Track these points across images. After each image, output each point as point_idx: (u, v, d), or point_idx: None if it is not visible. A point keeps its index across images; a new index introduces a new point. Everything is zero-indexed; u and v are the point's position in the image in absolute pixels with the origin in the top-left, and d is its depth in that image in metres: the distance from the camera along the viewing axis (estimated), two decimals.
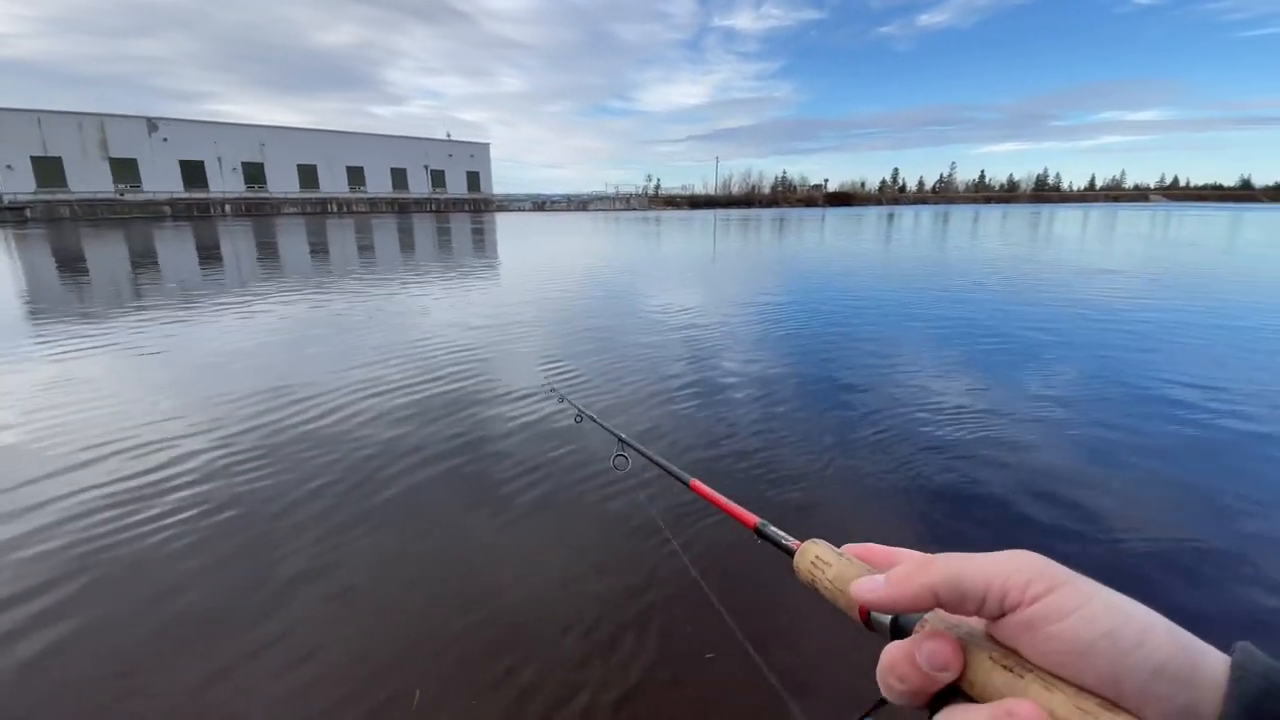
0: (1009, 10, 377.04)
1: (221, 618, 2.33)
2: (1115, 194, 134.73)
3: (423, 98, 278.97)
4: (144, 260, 15.54)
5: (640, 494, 3.16)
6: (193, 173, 55.36)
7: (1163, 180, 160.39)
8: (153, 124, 53.20)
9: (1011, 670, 0.30)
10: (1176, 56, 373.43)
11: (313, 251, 18.23)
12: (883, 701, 0.36)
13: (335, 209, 57.28)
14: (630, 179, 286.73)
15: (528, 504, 3.14)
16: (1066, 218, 44.44)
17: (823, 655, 2.06)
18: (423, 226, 33.91)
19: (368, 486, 3.31)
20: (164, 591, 2.49)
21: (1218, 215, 49.62)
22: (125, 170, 51.51)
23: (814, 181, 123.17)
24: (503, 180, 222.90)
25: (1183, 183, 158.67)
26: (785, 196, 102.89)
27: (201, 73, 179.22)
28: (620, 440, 1.32)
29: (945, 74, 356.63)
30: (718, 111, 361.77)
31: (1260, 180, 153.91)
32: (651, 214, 63.50)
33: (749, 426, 4.14)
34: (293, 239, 23.53)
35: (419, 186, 71.38)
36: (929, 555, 0.37)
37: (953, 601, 0.32)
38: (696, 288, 11.04)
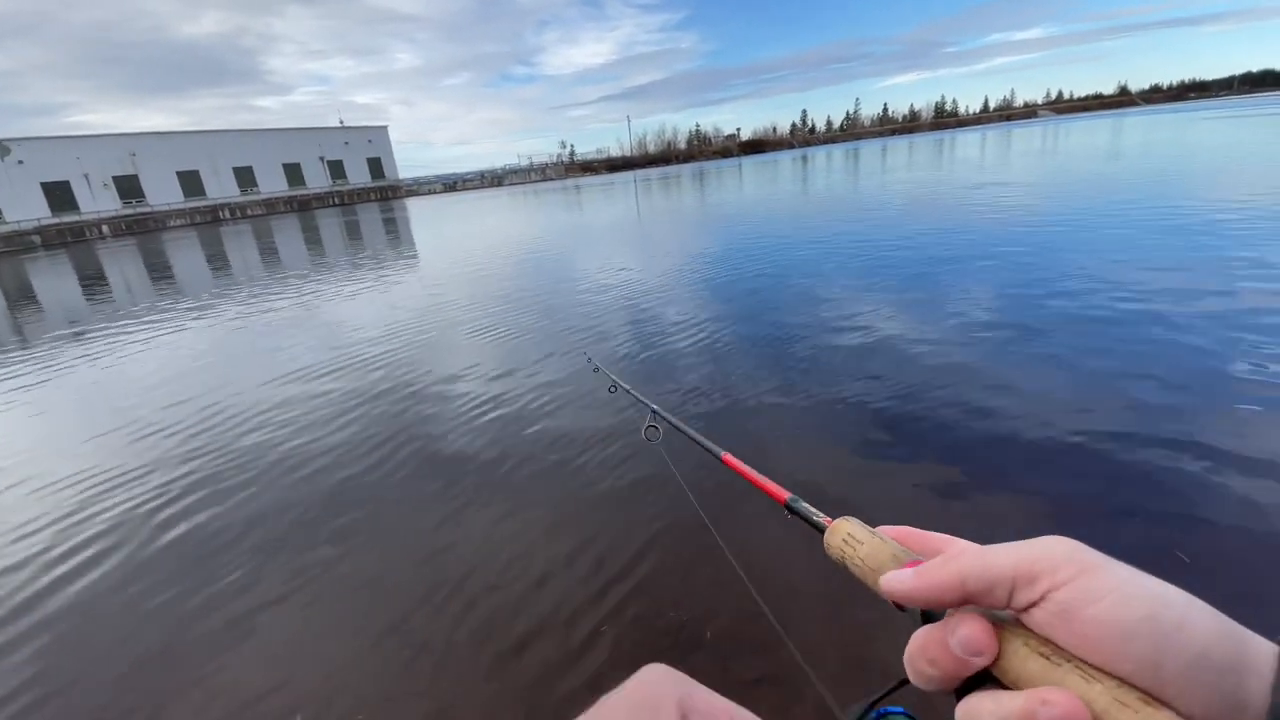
0: None
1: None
2: (1008, 113, 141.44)
3: (311, 84, 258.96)
4: (22, 298, 13.94)
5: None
6: (59, 195, 50.04)
7: (1049, 95, 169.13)
8: (3, 146, 47.53)
9: (1048, 658, 0.29)
10: None
11: (212, 266, 16.85)
12: (903, 683, 0.36)
13: (228, 215, 53.18)
14: (544, 148, 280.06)
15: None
16: (967, 141, 46.41)
17: (850, 633, 2.01)
18: (327, 223, 31.90)
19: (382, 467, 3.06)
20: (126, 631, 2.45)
21: (1101, 123, 52.97)
22: None
23: (727, 132, 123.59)
24: (410, 163, 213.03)
25: (1067, 95, 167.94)
26: (701, 150, 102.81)
27: (56, 82, 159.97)
28: (653, 411, 1.30)
29: (842, 8, 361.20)
30: (625, 69, 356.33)
31: (1135, 85, 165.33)
32: (570, 182, 62.25)
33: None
34: (187, 254, 21.69)
35: (317, 180, 67.11)
36: (959, 546, 0.36)
37: (982, 592, 0.31)
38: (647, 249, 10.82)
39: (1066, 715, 0.26)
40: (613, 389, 1.76)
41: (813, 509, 0.55)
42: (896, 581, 0.35)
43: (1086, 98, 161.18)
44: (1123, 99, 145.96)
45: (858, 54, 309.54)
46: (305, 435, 4.14)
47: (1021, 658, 0.30)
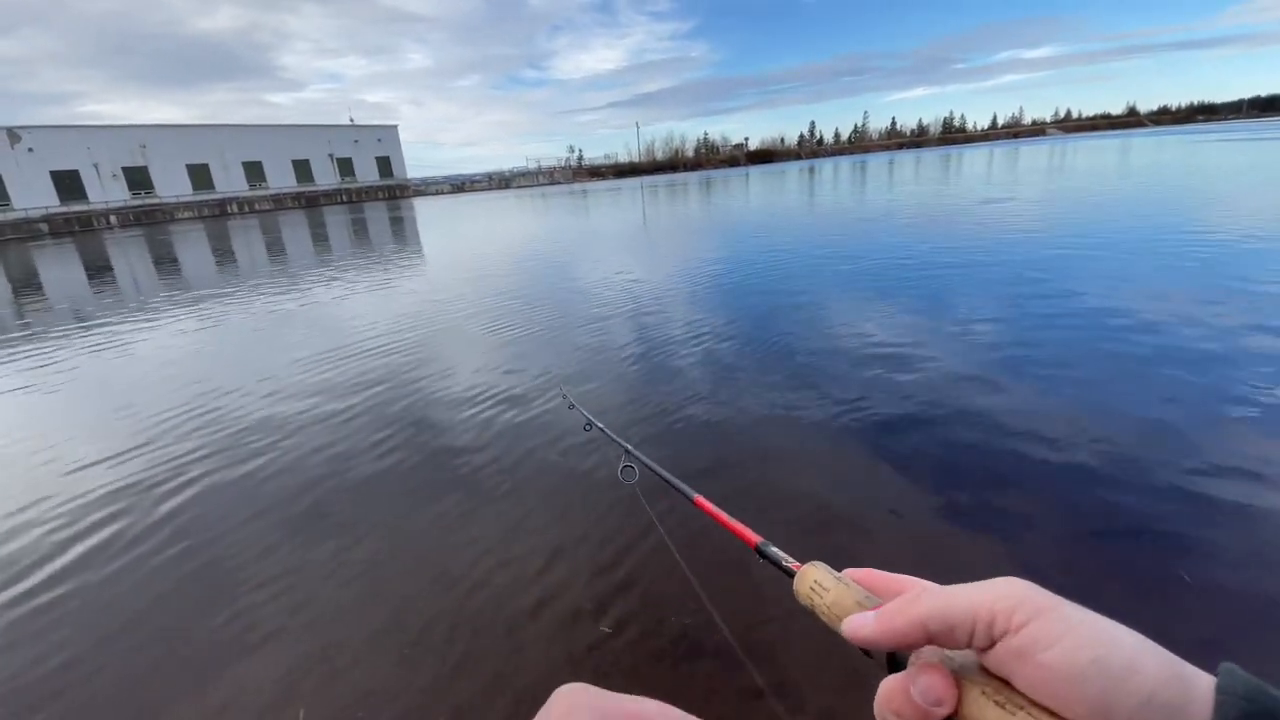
0: None
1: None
2: (1015, 131, 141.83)
3: (323, 81, 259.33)
4: (27, 285, 13.97)
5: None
6: (68, 184, 50.25)
7: (1057, 114, 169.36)
8: (14, 134, 47.76)
9: (1003, 706, 0.30)
10: None
11: (218, 259, 16.90)
12: None
13: (236, 209, 53.42)
14: (552, 151, 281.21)
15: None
16: (974, 157, 46.49)
17: (816, 670, 1.92)
18: (334, 221, 31.98)
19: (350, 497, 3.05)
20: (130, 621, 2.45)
21: (1108, 143, 53.16)
22: None
23: (735, 141, 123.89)
24: (419, 163, 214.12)
25: (1075, 115, 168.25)
26: (709, 158, 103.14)
27: (68, 71, 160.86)
28: (627, 451, 1.27)
29: (853, 22, 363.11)
30: (635, 76, 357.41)
31: (1144, 106, 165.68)
32: (578, 187, 62.40)
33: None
34: (194, 247, 21.75)
35: (325, 177, 67.34)
36: (919, 588, 0.37)
37: (943, 635, 0.32)
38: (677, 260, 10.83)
39: None
40: (588, 427, 1.69)
41: (782, 554, 0.55)
42: (858, 626, 0.36)
43: (1095, 117, 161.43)
44: (1131, 120, 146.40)
45: (867, 67, 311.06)
46: (296, 434, 4.14)
47: (980, 706, 0.31)
